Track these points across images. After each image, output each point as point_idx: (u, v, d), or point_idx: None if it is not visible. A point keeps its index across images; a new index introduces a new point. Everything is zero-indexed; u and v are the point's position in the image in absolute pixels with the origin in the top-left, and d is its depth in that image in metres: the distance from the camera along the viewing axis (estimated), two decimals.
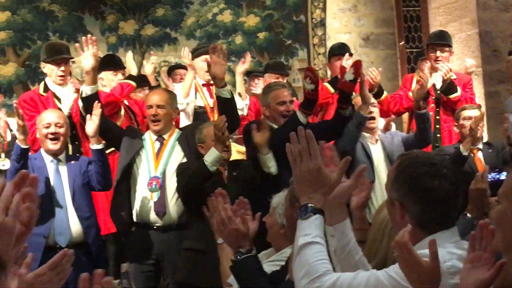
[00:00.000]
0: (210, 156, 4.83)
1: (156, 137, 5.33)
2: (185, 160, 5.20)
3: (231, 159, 5.24)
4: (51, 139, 5.09)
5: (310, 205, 2.15)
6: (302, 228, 2.16)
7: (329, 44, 8.61)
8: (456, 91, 6.70)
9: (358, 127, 5.47)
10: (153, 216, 5.17)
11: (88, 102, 5.21)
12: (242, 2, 9.48)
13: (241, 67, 7.09)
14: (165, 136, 5.31)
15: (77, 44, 5.67)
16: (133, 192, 5.23)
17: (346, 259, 2.31)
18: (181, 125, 6.08)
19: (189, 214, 4.97)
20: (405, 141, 5.84)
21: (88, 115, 5.11)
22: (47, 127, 5.12)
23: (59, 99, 5.80)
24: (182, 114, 6.38)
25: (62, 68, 5.79)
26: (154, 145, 5.29)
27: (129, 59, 6.63)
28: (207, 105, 6.42)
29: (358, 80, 5.34)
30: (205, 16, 9.39)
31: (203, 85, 6.50)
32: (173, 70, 7.82)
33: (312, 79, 5.00)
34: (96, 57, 5.31)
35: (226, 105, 5.20)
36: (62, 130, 5.13)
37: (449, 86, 6.68)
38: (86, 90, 5.25)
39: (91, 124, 5.08)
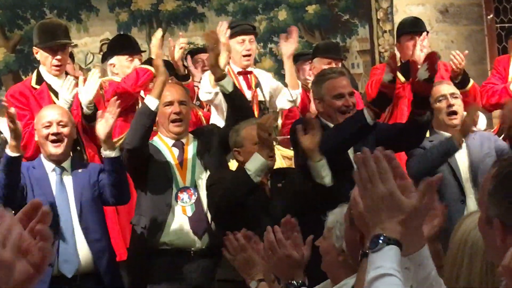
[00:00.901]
0: (254, 164, 4.88)
1: (172, 141, 5.42)
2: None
3: (275, 166, 5.26)
4: (53, 141, 5.12)
5: (383, 235, 2.18)
6: (373, 261, 2.18)
7: (397, 19, 8.71)
8: None
9: (443, 157, 5.50)
10: (188, 236, 5.24)
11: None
12: None
13: (288, 47, 6.68)
14: (183, 141, 5.42)
15: None
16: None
17: None
18: (213, 122, 6.27)
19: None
20: (499, 153, 5.73)
21: (100, 112, 5.18)
22: (48, 127, 5.14)
23: (56, 93, 5.80)
24: (213, 110, 6.51)
25: (59, 56, 5.77)
26: (173, 151, 5.40)
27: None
28: None
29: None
30: None
31: (239, 73, 6.57)
32: (194, 54, 7.67)
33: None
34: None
35: (230, 101, 5.40)
36: (66, 130, 5.15)
37: None
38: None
39: (104, 124, 5.07)
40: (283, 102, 6.67)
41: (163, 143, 5.40)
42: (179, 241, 5.23)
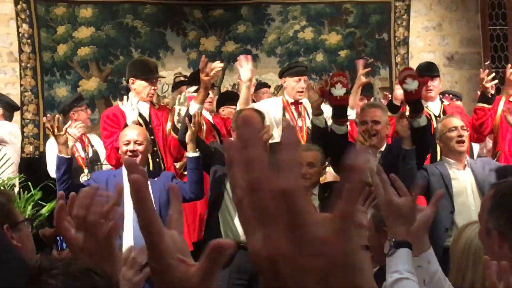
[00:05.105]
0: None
1: None
2: None
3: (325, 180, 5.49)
4: (130, 156, 5.22)
5: (393, 240, 2.26)
6: (389, 265, 2.27)
7: (412, 63, 9.20)
8: None
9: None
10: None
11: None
12: (324, 19, 10.22)
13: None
14: None
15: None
16: (226, 213, 5.49)
17: None
18: None
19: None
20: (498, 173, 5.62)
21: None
22: (127, 144, 5.36)
23: (141, 116, 6.06)
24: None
25: (155, 87, 6.15)
26: None
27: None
28: (295, 125, 6.56)
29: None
30: (286, 33, 10.18)
31: (292, 103, 6.80)
32: (257, 89, 8.23)
33: (343, 83, 5.30)
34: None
35: (319, 135, 5.58)
36: (141, 148, 5.33)
37: None
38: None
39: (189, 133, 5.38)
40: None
41: None
42: (236, 235, 5.32)
